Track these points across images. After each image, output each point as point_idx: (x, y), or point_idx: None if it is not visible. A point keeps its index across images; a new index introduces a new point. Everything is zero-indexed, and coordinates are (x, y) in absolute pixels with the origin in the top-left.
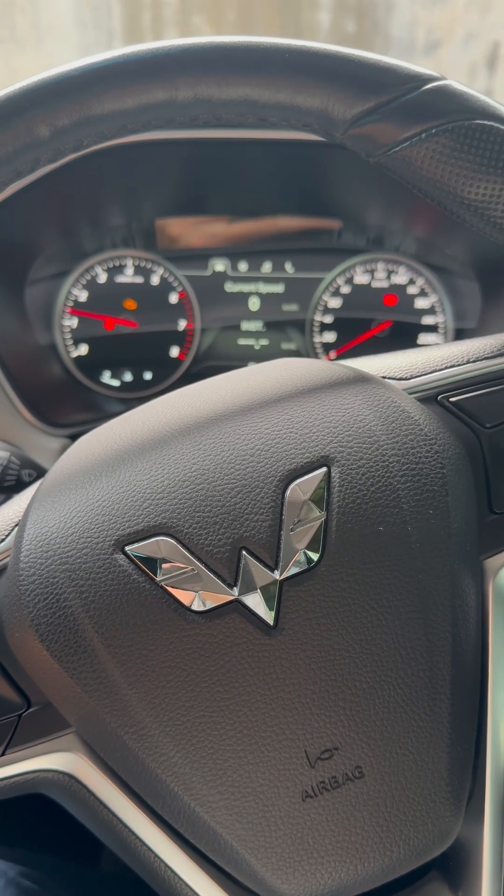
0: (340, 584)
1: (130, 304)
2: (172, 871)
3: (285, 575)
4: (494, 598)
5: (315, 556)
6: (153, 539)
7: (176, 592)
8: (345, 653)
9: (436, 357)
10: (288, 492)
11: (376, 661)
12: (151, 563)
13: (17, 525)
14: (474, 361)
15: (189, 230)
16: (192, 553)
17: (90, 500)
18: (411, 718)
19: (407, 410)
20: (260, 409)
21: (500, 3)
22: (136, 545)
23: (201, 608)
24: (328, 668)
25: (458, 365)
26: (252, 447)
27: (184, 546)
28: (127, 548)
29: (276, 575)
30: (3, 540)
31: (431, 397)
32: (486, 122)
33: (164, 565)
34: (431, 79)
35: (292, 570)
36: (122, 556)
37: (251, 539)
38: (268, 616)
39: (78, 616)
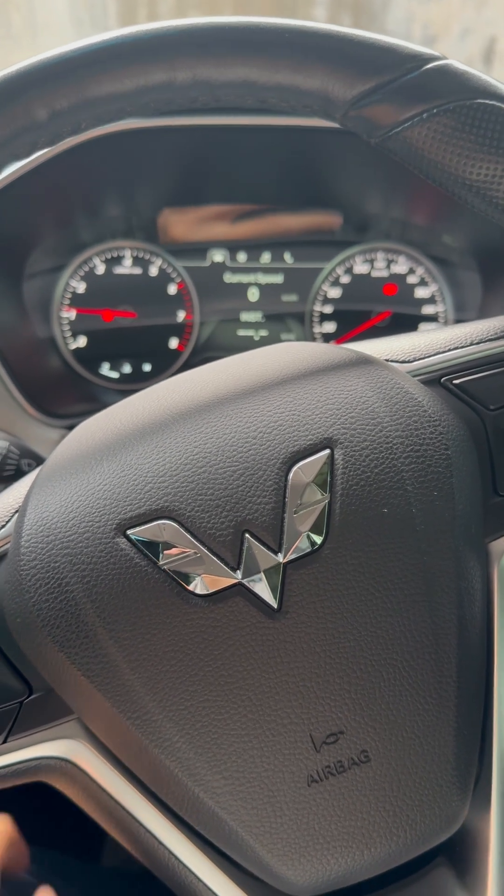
0: (344, 567)
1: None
2: (176, 857)
3: (289, 558)
4: (500, 581)
5: (319, 539)
6: (155, 522)
7: (179, 576)
8: (349, 636)
9: (439, 339)
10: (291, 474)
11: (381, 645)
12: (154, 547)
13: (17, 511)
14: (477, 343)
15: (191, 228)
16: (194, 536)
17: (91, 485)
18: (417, 702)
19: (410, 392)
20: (262, 391)
21: None
22: (137, 529)
23: (204, 592)
24: (333, 652)
25: (462, 347)
26: (254, 430)
27: (186, 529)
28: (129, 532)
29: (280, 558)
30: (3, 526)
31: (435, 379)
32: (487, 102)
33: (166, 549)
34: (432, 58)
35: (296, 553)
36: (124, 539)
37: (254, 522)
38: (271, 599)
39: (80, 601)
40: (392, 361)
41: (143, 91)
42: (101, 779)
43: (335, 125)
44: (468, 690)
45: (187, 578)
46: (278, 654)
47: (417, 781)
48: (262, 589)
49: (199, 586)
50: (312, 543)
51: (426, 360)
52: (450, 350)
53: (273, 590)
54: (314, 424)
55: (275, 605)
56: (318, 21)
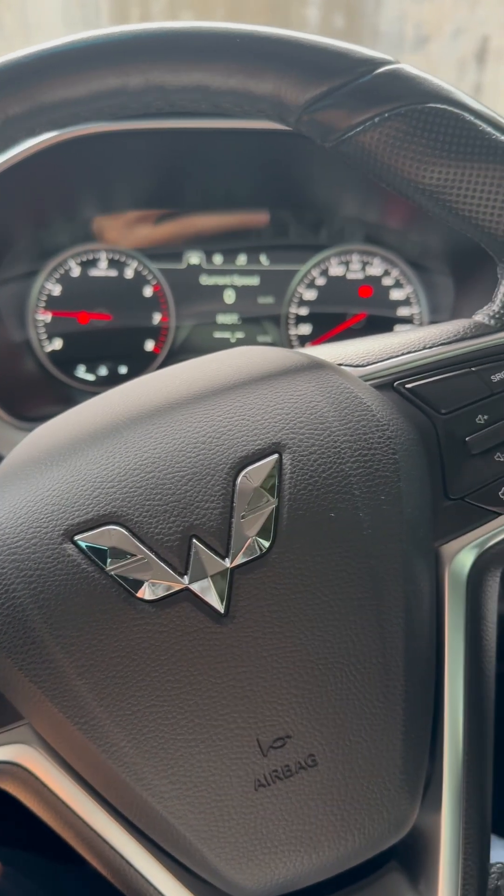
0: (292, 571)
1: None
2: (128, 862)
3: (236, 563)
4: (450, 584)
5: (266, 544)
6: (102, 528)
7: (126, 582)
8: (297, 640)
9: (393, 344)
10: (239, 479)
11: (328, 649)
12: (101, 553)
13: None
14: (430, 347)
15: (119, 231)
16: (141, 542)
17: (39, 490)
18: (365, 705)
19: (360, 397)
20: (213, 396)
21: None
22: (85, 535)
23: (151, 597)
24: (280, 656)
25: (415, 351)
26: (203, 435)
27: (133, 535)
28: (76, 537)
29: (227, 563)
30: None
31: (388, 384)
32: (438, 106)
33: (113, 555)
34: (384, 62)
35: (243, 558)
36: (72, 545)
37: (202, 527)
38: (218, 604)
39: (26, 607)
40: (345, 366)
41: (96, 96)
42: (53, 783)
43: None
44: (416, 693)
45: (134, 584)
46: (225, 658)
47: (366, 785)
48: (210, 594)
49: (146, 592)
50: (260, 548)
51: (379, 364)
52: (403, 354)
53: (220, 595)
54: (263, 429)
55: (222, 610)
56: (310, 21)
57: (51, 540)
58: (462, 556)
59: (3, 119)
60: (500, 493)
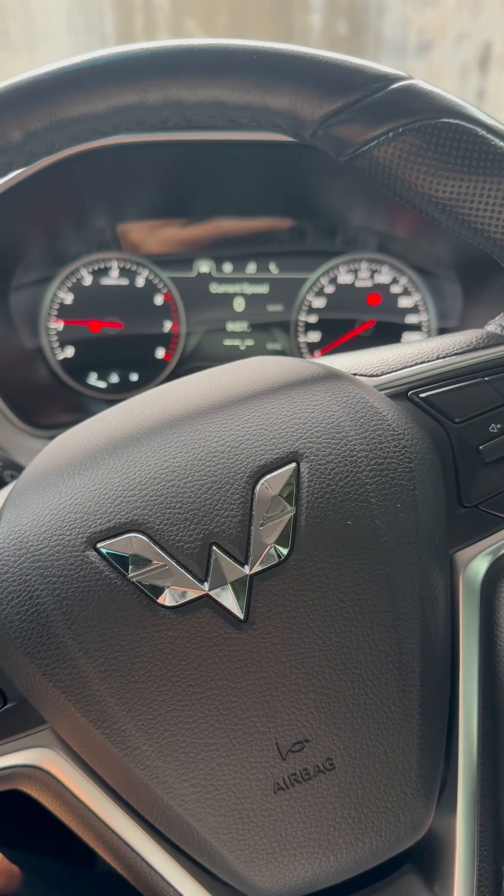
0: (310, 578)
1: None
2: (148, 864)
3: (255, 570)
4: (464, 591)
5: (284, 551)
6: (124, 536)
7: (147, 588)
8: (314, 646)
9: (407, 353)
10: (257, 487)
11: (346, 654)
12: (123, 560)
13: None
14: (444, 357)
15: (160, 232)
16: (162, 549)
17: (63, 499)
18: (381, 710)
19: (375, 406)
20: (231, 406)
21: (491, 3)
22: (107, 542)
23: (172, 603)
24: (298, 661)
25: (429, 361)
26: (222, 444)
27: (155, 542)
28: (99, 545)
29: (246, 570)
30: None
31: (402, 393)
32: (452, 121)
33: (135, 562)
34: (398, 78)
35: (262, 565)
36: (94, 553)
37: (221, 535)
38: (238, 610)
39: (50, 613)
40: (360, 376)
41: (115, 112)
42: (74, 786)
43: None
44: (432, 698)
45: (156, 590)
46: (245, 663)
47: (382, 788)
48: (229, 600)
49: (167, 598)
50: (278, 555)
51: (393, 374)
52: (416, 364)
53: (240, 601)
54: (280, 438)
55: (241, 616)
56: (313, 28)
57: (74, 547)
58: (476, 563)
59: (24, 135)
60: None
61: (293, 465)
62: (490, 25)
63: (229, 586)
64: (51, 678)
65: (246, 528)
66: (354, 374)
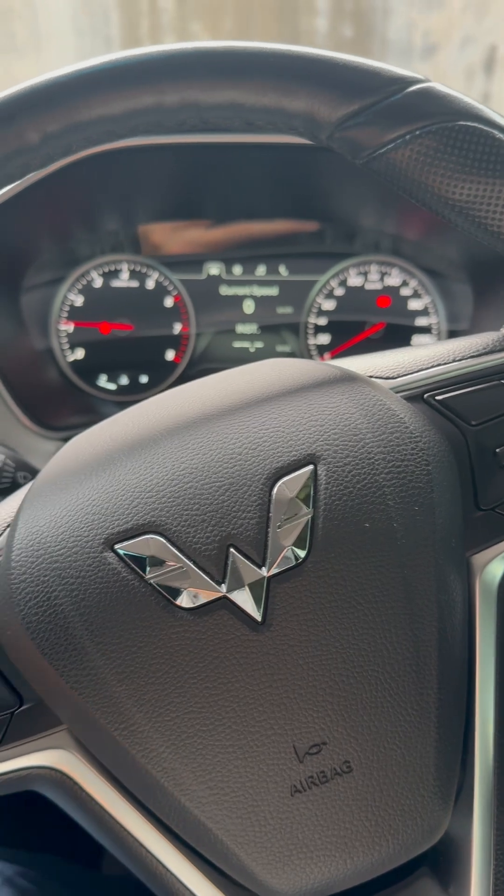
0: (327, 581)
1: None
2: (164, 866)
3: (273, 571)
4: (481, 594)
5: (302, 553)
6: (142, 537)
7: (165, 590)
8: (332, 648)
9: (422, 356)
10: (275, 489)
11: (363, 657)
12: (140, 562)
13: (8, 525)
14: (460, 360)
15: (170, 236)
16: (180, 550)
17: (80, 500)
18: (399, 713)
19: (393, 409)
20: (248, 408)
21: (496, 6)
22: (125, 543)
23: (190, 605)
24: (315, 664)
25: (445, 364)
26: (240, 446)
27: (172, 544)
28: (116, 546)
29: (264, 571)
30: None
31: (418, 396)
32: (469, 124)
33: (152, 563)
34: (415, 81)
35: (279, 567)
36: (112, 554)
37: (239, 536)
38: (255, 612)
39: (68, 614)
40: (376, 378)
41: (131, 114)
42: (90, 788)
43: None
44: (449, 702)
45: (173, 592)
46: (262, 666)
47: (399, 792)
48: (247, 602)
49: (184, 600)
50: (296, 557)
51: (409, 376)
52: (433, 367)
53: (257, 603)
54: (298, 441)
55: (259, 618)
56: (319, 31)
57: (91, 548)
58: (493, 565)
59: (41, 136)
60: None
61: (310, 467)
62: (495, 28)
63: (247, 588)
64: (67, 679)
65: (263, 530)
66: (370, 377)
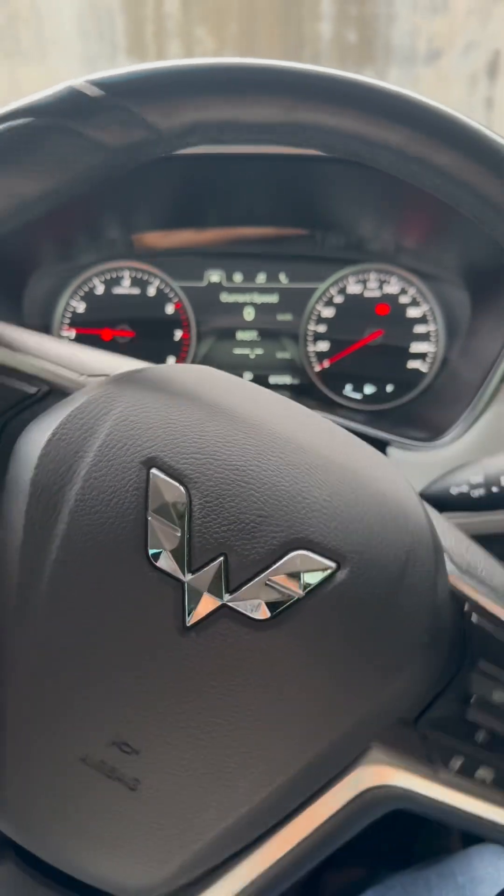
0: (263, 650)
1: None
2: None
3: (231, 603)
4: (354, 777)
5: (266, 614)
6: (175, 482)
7: (151, 536)
8: (218, 695)
9: (499, 576)
10: (292, 553)
11: (235, 724)
12: (157, 497)
13: (105, 376)
14: None
15: (171, 243)
16: (188, 519)
17: (161, 413)
18: (216, 790)
19: (436, 594)
20: (330, 466)
21: (500, 11)
22: (160, 474)
23: (158, 565)
24: (195, 694)
25: None
26: (301, 488)
27: (189, 509)
28: (153, 470)
29: (226, 597)
30: (90, 377)
31: (460, 599)
32: None
33: (162, 510)
34: None
35: (238, 605)
36: (145, 472)
37: (236, 555)
38: (190, 616)
39: (74, 478)
40: (448, 553)
41: (343, 134)
42: None
43: (326, 154)
44: (259, 811)
45: (154, 541)
46: (157, 658)
47: (158, 837)
48: (193, 604)
49: (159, 558)
50: (261, 612)
51: (473, 583)
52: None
53: (199, 612)
54: (342, 532)
55: (188, 623)
56: (323, 36)
57: (135, 453)
58: (375, 770)
59: (193, 122)
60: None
61: (334, 565)
62: (499, 33)
63: (204, 595)
64: (27, 517)
65: (257, 570)
66: (446, 548)
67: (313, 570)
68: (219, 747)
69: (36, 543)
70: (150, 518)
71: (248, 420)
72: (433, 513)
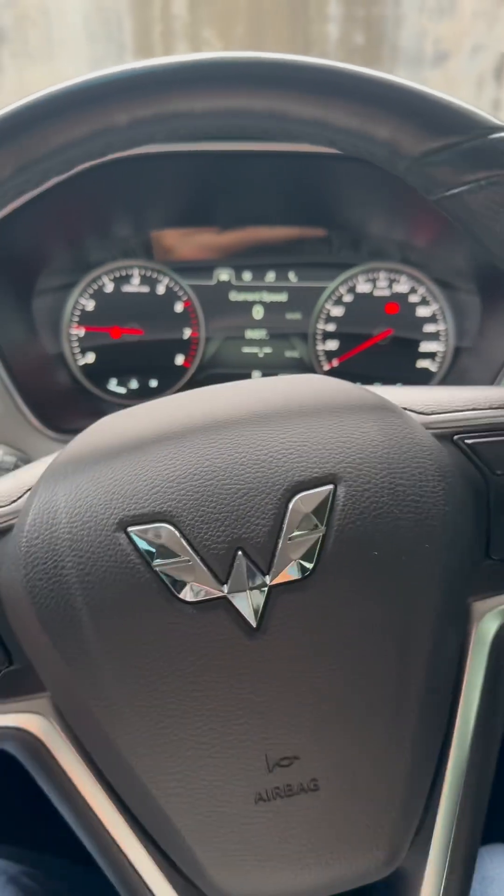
0: (327, 600)
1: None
2: (118, 847)
3: (275, 581)
4: (475, 642)
5: (308, 569)
6: (156, 525)
7: (168, 580)
8: (320, 667)
9: (459, 397)
10: (292, 502)
11: (348, 682)
12: (150, 548)
13: (29, 489)
14: (496, 409)
15: (184, 241)
16: (190, 545)
17: (102, 477)
18: (374, 743)
19: (421, 444)
20: (279, 419)
21: None
22: (138, 528)
23: (190, 599)
24: (301, 679)
25: (480, 409)
26: (265, 454)
27: (183, 536)
28: (129, 529)
29: (267, 580)
30: (14, 501)
31: (448, 436)
32: None
33: (161, 552)
34: (500, 128)
35: (283, 578)
36: (124, 536)
37: (249, 541)
38: (252, 618)
39: (71, 585)
40: (410, 411)
41: (218, 114)
42: (60, 757)
43: (337, 152)
44: (425, 742)
45: (177, 584)
46: (249, 671)
47: (361, 819)
48: (245, 607)
49: (186, 593)
50: (301, 571)
51: (443, 415)
52: (468, 410)
53: (255, 609)
54: (323, 459)
55: (254, 625)
56: (330, 38)
57: (105, 527)
58: (490, 616)
59: (129, 119)
60: None
61: (330, 486)
62: None
63: (247, 593)
64: (58, 647)
65: (274, 539)
66: (404, 409)
67: (317, 503)
68: (352, 703)
69: (82, 664)
70: (156, 569)
71: (181, 429)
72: (380, 389)
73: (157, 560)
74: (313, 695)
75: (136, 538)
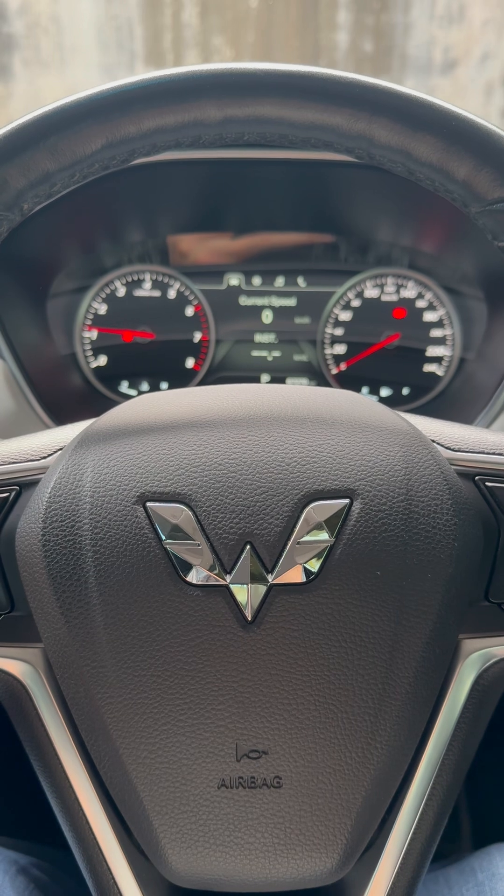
0: (324, 608)
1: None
2: (79, 805)
3: (277, 580)
4: (458, 677)
5: (311, 574)
6: (174, 505)
7: (176, 559)
8: (305, 671)
9: (488, 441)
10: (307, 508)
11: (330, 691)
12: (165, 525)
13: (61, 449)
14: None
15: (198, 246)
16: (202, 530)
17: (131, 451)
18: (344, 752)
19: (442, 477)
20: (311, 427)
21: None
22: (157, 504)
23: (194, 581)
24: (285, 679)
25: None
26: (289, 457)
27: (198, 521)
28: (148, 504)
29: (270, 577)
30: (45, 458)
31: (470, 475)
32: None
33: (174, 531)
34: None
35: (285, 579)
36: (142, 509)
37: (259, 538)
38: (249, 611)
39: (84, 547)
40: (438, 444)
41: (311, 126)
42: (42, 709)
43: (346, 158)
44: (392, 761)
45: (183, 564)
46: (237, 662)
47: (315, 825)
48: (244, 599)
49: (191, 575)
50: (304, 576)
51: (469, 454)
52: (495, 454)
53: (253, 603)
54: (344, 473)
55: (249, 618)
56: (339, 46)
57: (126, 498)
58: (476, 656)
59: (222, 117)
60: None
61: (347, 500)
62: None
63: (248, 587)
64: (60, 602)
65: (283, 540)
66: (433, 440)
67: (331, 513)
68: (329, 710)
69: (81, 623)
70: (167, 547)
71: (215, 418)
72: (412, 417)
73: (169, 539)
74: (293, 696)
75: (153, 514)
